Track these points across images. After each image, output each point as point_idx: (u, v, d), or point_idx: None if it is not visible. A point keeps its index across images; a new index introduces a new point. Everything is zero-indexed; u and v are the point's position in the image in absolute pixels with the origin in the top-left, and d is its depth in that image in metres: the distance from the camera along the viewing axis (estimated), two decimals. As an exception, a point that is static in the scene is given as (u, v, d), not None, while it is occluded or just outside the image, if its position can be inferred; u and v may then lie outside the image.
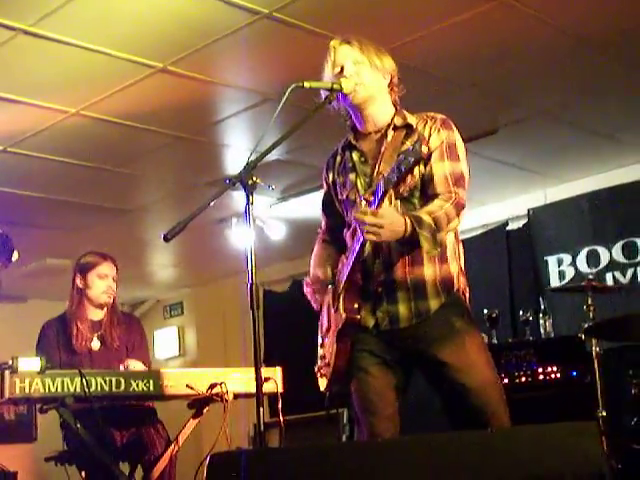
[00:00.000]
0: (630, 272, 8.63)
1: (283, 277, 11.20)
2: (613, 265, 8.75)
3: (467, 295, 3.76)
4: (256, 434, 3.59)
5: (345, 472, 2.69)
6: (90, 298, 5.68)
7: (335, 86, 3.67)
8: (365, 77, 3.71)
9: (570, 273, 9.00)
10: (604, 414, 5.81)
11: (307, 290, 3.95)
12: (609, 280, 8.69)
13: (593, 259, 8.87)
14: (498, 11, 5.52)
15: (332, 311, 3.70)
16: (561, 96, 6.96)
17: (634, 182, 8.58)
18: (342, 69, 3.69)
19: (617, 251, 8.72)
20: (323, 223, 4.02)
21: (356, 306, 3.62)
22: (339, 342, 3.66)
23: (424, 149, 3.34)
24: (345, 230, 3.80)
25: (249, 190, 3.43)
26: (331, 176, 3.89)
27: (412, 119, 3.71)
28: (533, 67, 6.40)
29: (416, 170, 3.54)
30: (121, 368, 5.34)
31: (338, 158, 3.87)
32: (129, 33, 5.53)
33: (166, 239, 3.46)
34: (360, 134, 3.80)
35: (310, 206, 8.82)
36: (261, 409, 3.31)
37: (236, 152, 7.65)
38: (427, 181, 3.62)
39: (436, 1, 5.40)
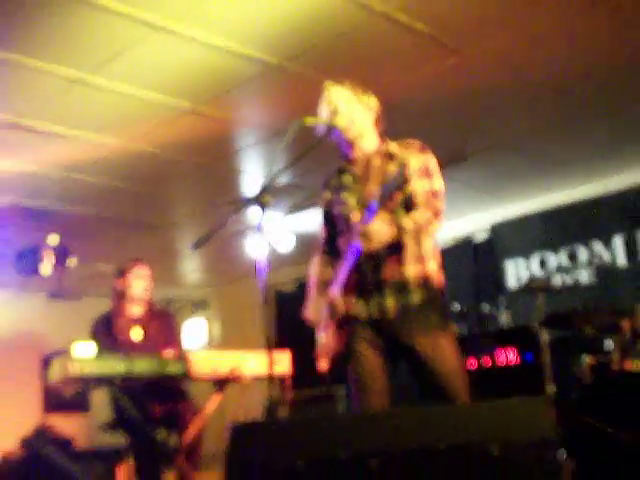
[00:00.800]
0: (573, 274, 8.64)
1: (290, 279, 11.19)
2: (560, 269, 8.76)
3: (444, 291, 3.76)
4: (269, 408, 3.58)
5: (342, 438, 2.69)
6: (130, 296, 5.68)
7: (332, 123, 3.68)
8: (356, 115, 3.73)
9: (525, 275, 9.00)
10: (553, 390, 5.80)
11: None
12: (556, 281, 8.69)
13: (543, 263, 8.88)
14: (467, 62, 5.54)
15: (331, 306, 3.70)
16: (519, 129, 6.96)
17: (577, 201, 8.59)
18: (336, 108, 3.70)
19: (563, 257, 8.73)
20: (322, 235, 4.02)
21: (353, 300, 3.62)
22: (338, 330, 3.66)
23: (407, 171, 3.38)
24: (339, 239, 3.81)
25: (263, 207, 3.44)
26: (328, 195, 3.90)
27: (394, 146, 3.73)
28: (496, 106, 6.40)
29: (400, 193, 3.56)
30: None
31: (333, 180, 3.88)
32: (163, 81, 5.57)
33: (194, 248, 3.48)
34: (350, 160, 3.81)
35: (312, 220, 8.84)
36: (273, 387, 3.31)
37: (251, 177, 7.66)
38: (410, 198, 3.63)
39: (413, 54, 5.42)
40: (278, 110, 6.13)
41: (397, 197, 3.60)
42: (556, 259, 8.78)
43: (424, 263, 3.67)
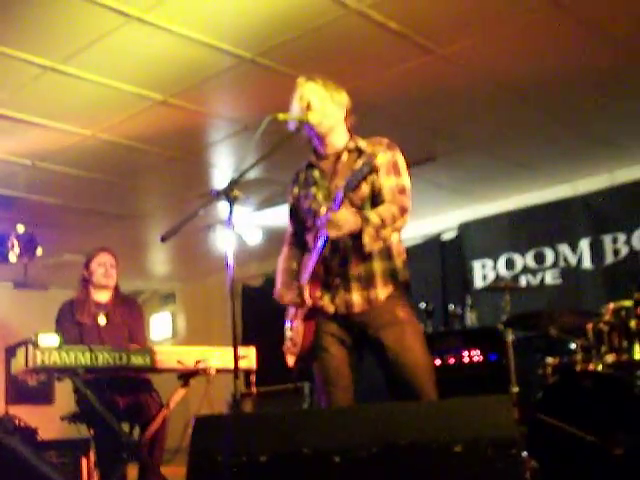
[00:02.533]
0: (539, 276, 8.70)
1: (258, 274, 11.18)
2: (526, 270, 8.82)
3: (409, 286, 3.77)
4: (233, 402, 3.57)
5: (305, 433, 2.70)
6: (93, 283, 5.66)
7: (304, 119, 3.68)
8: (328, 111, 3.73)
9: (491, 276, 9.06)
10: (516, 390, 5.84)
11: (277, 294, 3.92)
12: (523, 282, 8.75)
13: (510, 264, 8.93)
14: (437, 62, 5.57)
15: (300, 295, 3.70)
16: (488, 131, 7.01)
17: (545, 203, 8.65)
18: (309, 104, 3.70)
19: (529, 258, 8.78)
20: (290, 228, 4.01)
21: (319, 294, 3.62)
22: (305, 325, 3.66)
23: (375, 161, 3.42)
24: (307, 234, 3.81)
25: (232, 202, 3.42)
26: (296, 190, 3.89)
27: (363, 143, 3.74)
28: (465, 108, 6.44)
29: (368, 182, 3.59)
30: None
31: (302, 175, 3.88)
32: (135, 72, 5.55)
33: (163, 240, 3.46)
34: (320, 155, 3.81)
35: (281, 215, 8.83)
36: (237, 381, 3.30)
37: (221, 170, 7.66)
38: (377, 193, 3.65)
39: (386, 52, 5.44)
40: (250, 104, 6.13)
41: (364, 192, 3.62)
42: (522, 260, 8.84)
43: (390, 258, 3.68)
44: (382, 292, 3.63)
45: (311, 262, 3.63)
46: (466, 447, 2.52)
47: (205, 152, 7.21)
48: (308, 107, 3.69)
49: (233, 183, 3.43)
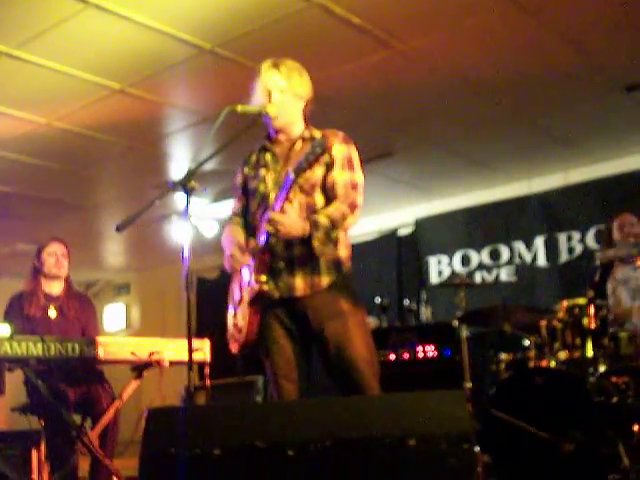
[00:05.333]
0: (494, 272, 8.77)
1: (213, 266, 11.15)
2: (481, 266, 8.89)
3: (351, 280, 3.76)
4: (186, 394, 3.55)
5: (259, 427, 2.69)
6: (44, 273, 5.61)
7: (262, 111, 3.67)
8: (287, 105, 3.71)
9: (447, 272, 9.12)
10: (470, 385, 5.88)
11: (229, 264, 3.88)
12: (478, 278, 8.82)
13: (466, 261, 9.00)
14: (397, 58, 5.59)
15: (244, 285, 3.68)
16: (446, 128, 7.05)
17: (501, 201, 8.73)
18: (269, 95, 3.69)
19: (485, 255, 8.85)
20: (234, 206, 3.98)
21: (264, 278, 3.61)
22: (251, 310, 3.63)
23: (328, 142, 3.45)
24: (250, 215, 3.80)
25: (188, 193, 3.40)
26: (246, 169, 3.87)
27: (318, 134, 3.72)
28: (424, 104, 6.47)
29: (320, 165, 3.59)
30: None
31: (253, 157, 3.86)
32: (93, 59, 5.49)
33: (118, 230, 3.43)
34: (273, 140, 3.81)
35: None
36: (191, 374, 3.29)
37: (179, 161, 7.62)
38: (329, 187, 3.64)
39: (346, 46, 5.44)
40: (208, 95, 6.10)
41: (316, 177, 3.63)
42: (478, 257, 8.90)
43: (335, 247, 3.67)
44: (325, 279, 3.61)
45: (258, 245, 3.63)
46: (420, 441, 2.53)
47: (162, 142, 7.17)
48: (268, 99, 3.68)
49: (190, 174, 3.41)
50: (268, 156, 3.79)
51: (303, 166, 3.40)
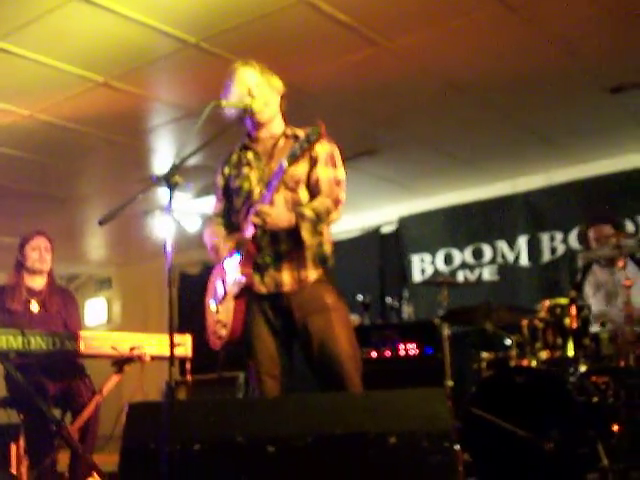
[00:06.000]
0: (477, 271, 8.80)
1: (196, 261, 11.14)
2: (464, 265, 8.91)
3: (334, 275, 3.77)
4: (167, 390, 3.54)
5: (239, 423, 2.69)
6: (27, 267, 5.58)
7: (248, 106, 3.67)
8: (268, 98, 3.73)
9: (430, 270, 9.14)
10: (451, 383, 5.90)
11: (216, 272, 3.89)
12: (460, 277, 8.85)
13: (448, 259, 9.02)
14: (384, 55, 5.59)
15: (228, 280, 3.68)
16: (431, 127, 7.06)
17: (484, 200, 8.75)
18: (249, 90, 3.69)
19: (468, 254, 8.88)
20: (215, 207, 3.99)
21: (250, 272, 3.61)
22: (237, 305, 3.63)
23: (316, 135, 3.44)
24: (233, 215, 3.81)
25: (172, 188, 3.39)
26: (227, 170, 3.88)
27: (300, 132, 3.74)
28: (409, 102, 6.47)
29: (305, 160, 3.63)
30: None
31: (234, 156, 3.87)
32: (77, 52, 5.45)
33: (101, 224, 3.43)
34: (255, 139, 3.81)
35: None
36: (173, 369, 3.28)
37: (162, 156, 7.60)
38: (313, 183, 3.68)
39: (333, 43, 5.44)
40: (193, 90, 6.08)
41: (300, 174, 3.66)
42: (461, 256, 8.93)
43: (321, 243, 3.69)
44: (312, 273, 3.63)
45: (240, 243, 3.63)
46: (401, 439, 2.54)
47: (146, 136, 7.14)
48: (250, 94, 3.68)
49: (174, 169, 3.40)
50: (250, 154, 3.80)
51: (297, 154, 3.44)
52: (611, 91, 6.36)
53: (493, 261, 8.70)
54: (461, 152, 7.76)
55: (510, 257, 8.57)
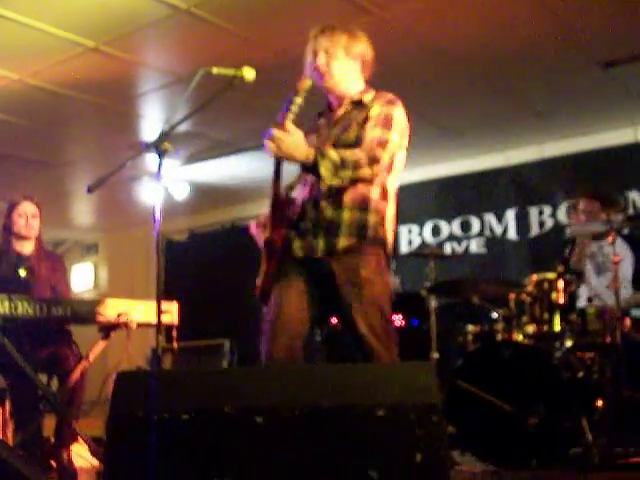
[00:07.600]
0: (464, 244, 8.81)
1: (183, 229, 11.13)
2: (451, 237, 8.92)
3: (388, 246, 3.72)
4: (153, 357, 3.54)
5: (228, 392, 2.69)
6: (14, 233, 5.56)
7: (238, 74, 3.61)
8: (333, 66, 3.67)
9: (417, 241, 9.15)
10: (436, 356, 5.91)
11: (255, 230, 3.84)
12: (448, 249, 8.86)
13: (436, 231, 9.03)
14: (375, 25, 5.55)
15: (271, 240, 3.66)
16: (422, 96, 7.01)
17: (473, 172, 8.75)
18: (315, 57, 3.65)
19: (456, 226, 8.88)
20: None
21: (290, 236, 3.58)
22: (269, 264, 3.61)
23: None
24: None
25: (161, 154, 3.37)
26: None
27: (368, 96, 3.72)
28: (400, 72, 6.42)
29: (354, 131, 3.59)
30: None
31: (312, 122, 3.83)
32: (68, 15, 5.42)
33: (89, 191, 3.40)
34: (328, 105, 3.80)
35: (208, 171, 8.78)
36: (159, 336, 3.28)
37: (151, 122, 7.56)
38: (359, 142, 3.56)
39: (325, 12, 5.40)
40: (184, 56, 6.04)
41: (350, 141, 3.58)
42: (449, 227, 8.93)
43: (364, 211, 3.60)
44: (343, 241, 3.53)
45: (291, 206, 3.62)
46: (389, 411, 2.54)
47: (135, 102, 7.11)
48: (313, 65, 3.65)
49: (164, 135, 3.37)
50: (322, 121, 3.78)
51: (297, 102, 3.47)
52: (605, 65, 6.35)
53: (481, 234, 8.71)
54: (452, 124, 7.75)
55: (498, 230, 8.59)
